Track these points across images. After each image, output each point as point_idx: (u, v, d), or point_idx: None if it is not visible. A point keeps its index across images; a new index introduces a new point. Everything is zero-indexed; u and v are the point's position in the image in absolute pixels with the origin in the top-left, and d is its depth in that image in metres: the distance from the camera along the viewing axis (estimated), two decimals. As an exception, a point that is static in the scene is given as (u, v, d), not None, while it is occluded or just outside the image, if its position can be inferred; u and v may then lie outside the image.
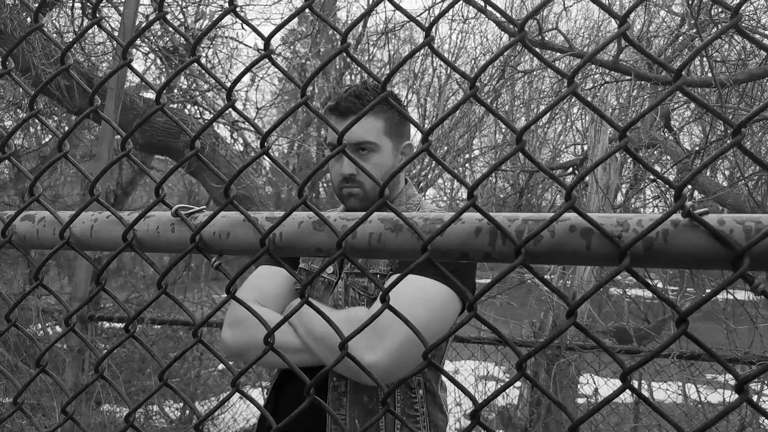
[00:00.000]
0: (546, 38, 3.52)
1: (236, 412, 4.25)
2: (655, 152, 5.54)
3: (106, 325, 3.81)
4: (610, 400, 0.54)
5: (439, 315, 1.27)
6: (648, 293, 5.59)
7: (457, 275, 1.31)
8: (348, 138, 1.41)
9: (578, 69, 0.56)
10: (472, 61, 7.15)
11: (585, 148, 6.50)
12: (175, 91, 5.26)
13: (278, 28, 0.71)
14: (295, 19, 7.07)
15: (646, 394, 4.25)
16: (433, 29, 0.69)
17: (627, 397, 4.62)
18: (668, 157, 5.27)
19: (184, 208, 0.71)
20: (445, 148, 5.66)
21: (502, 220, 0.60)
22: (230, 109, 0.78)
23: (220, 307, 0.83)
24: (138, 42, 4.44)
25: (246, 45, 4.73)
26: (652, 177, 5.88)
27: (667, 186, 5.89)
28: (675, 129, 5.42)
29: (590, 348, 2.83)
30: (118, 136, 4.10)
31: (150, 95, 4.85)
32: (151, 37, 4.62)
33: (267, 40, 0.68)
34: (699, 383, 3.55)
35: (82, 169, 0.77)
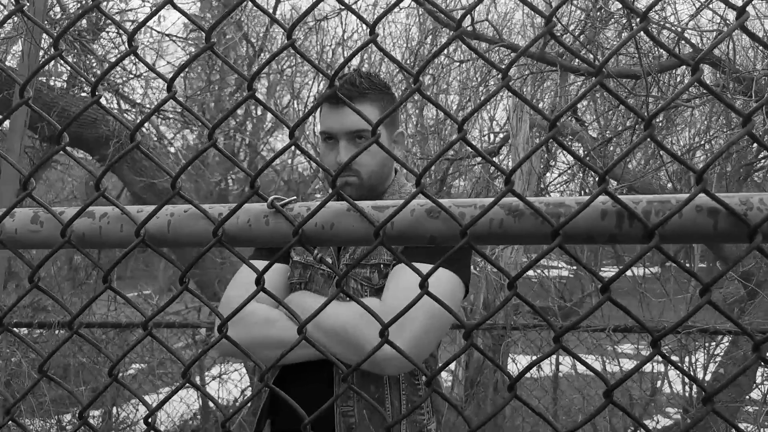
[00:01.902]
0: (477, 29, 3.61)
1: (172, 411, 4.07)
2: (565, 141, 5.83)
3: (25, 331, 3.52)
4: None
5: (449, 302, 1.28)
6: (564, 273, 5.90)
7: (460, 264, 1.33)
8: (344, 126, 1.38)
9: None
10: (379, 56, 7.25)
11: (500, 137, 6.72)
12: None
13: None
14: (197, 7, 6.81)
15: (566, 367, 4.53)
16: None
17: (548, 370, 4.90)
18: (579, 144, 5.56)
19: (278, 199, 0.67)
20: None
21: (628, 203, 0.61)
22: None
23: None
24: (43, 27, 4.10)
25: (170, 36, 4.49)
26: (564, 163, 6.18)
27: (577, 171, 6.14)
28: (584, 119, 5.73)
29: (533, 327, 2.95)
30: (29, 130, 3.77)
31: (56, 83, 4.51)
32: (56, 25, 4.29)
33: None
34: (621, 356, 3.83)
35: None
